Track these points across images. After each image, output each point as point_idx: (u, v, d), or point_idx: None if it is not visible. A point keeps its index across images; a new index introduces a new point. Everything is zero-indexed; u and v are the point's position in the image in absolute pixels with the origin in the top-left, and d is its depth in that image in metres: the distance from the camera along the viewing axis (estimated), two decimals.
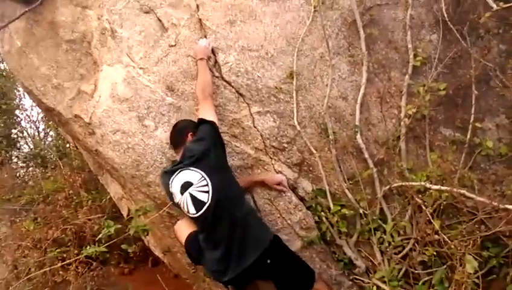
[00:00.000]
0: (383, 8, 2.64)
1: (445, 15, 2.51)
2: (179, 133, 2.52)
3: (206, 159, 2.30)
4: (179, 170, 2.33)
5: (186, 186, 2.28)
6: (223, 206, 2.24)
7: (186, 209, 2.31)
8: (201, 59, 2.57)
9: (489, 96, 2.50)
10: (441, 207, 2.29)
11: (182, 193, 2.30)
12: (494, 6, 2.34)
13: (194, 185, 2.27)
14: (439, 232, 2.21)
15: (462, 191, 2.14)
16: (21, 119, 7.74)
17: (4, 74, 7.46)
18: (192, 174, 2.28)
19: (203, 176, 2.27)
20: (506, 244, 2.29)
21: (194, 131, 2.45)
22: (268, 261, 2.22)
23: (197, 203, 2.26)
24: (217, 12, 2.72)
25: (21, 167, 6.97)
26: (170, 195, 2.41)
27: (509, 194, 2.33)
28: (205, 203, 2.24)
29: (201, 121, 2.42)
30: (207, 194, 2.24)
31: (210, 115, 2.43)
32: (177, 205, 2.38)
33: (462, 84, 2.50)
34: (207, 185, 2.25)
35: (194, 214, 2.28)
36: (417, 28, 2.60)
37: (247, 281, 2.35)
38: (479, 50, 2.51)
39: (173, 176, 2.34)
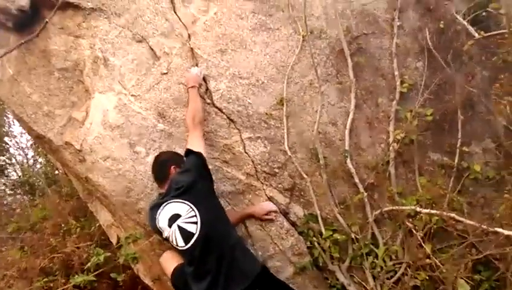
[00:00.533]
0: (370, 37, 2.73)
1: (430, 43, 2.61)
2: (160, 167, 2.51)
3: (194, 190, 2.28)
4: (166, 203, 2.30)
5: (174, 218, 2.26)
6: (211, 237, 2.21)
7: (174, 242, 2.27)
8: (192, 87, 2.60)
9: (474, 121, 2.57)
10: (432, 231, 2.31)
11: (170, 226, 2.27)
12: (476, 35, 2.45)
13: (182, 216, 2.24)
14: (431, 256, 2.23)
15: (452, 214, 2.17)
16: (10, 147, 7.66)
17: None
18: (180, 206, 2.26)
19: (191, 207, 2.25)
20: (498, 267, 2.30)
21: (177, 163, 2.45)
22: None
23: (186, 235, 2.23)
24: (208, 42, 2.78)
25: (8, 194, 6.85)
26: (158, 231, 2.37)
27: (498, 217, 2.35)
28: (194, 235, 2.21)
29: (188, 152, 2.41)
30: (195, 225, 2.22)
31: (198, 146, 2.42)
32: (166, 240, 2.34)
33: (448, 110, 2.57)
34: (195, 215, 2.23)
35: (182, 246, 2.24)
36: (403, 56, 2.68)
37: None
38: (463, 76, 2.60)
39: (159, 210, 2.32)
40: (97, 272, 2.52)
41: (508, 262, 2.20)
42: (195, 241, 2.20)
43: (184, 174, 2.34)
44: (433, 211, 2.20)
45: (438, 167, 2.54)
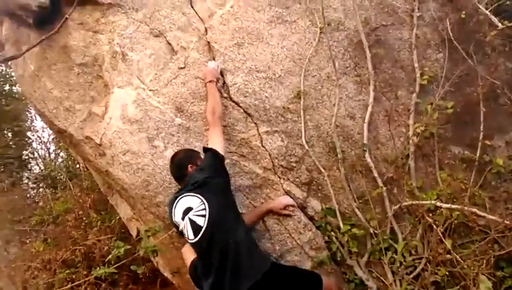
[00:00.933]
0: (389, 28, 2.68)
1: (451, 34, 2.54)
2: (178, 168, 2.53)
3: (207, 185, 2.31)
4: (180, 197, 2.34)
5: (186, 211, 2.29)
6: (217, 231, 2.22)
7: (186, 235, 2.30)
8: (210, 81, 2.61)
9: (497, 114, 2.50)
10: (452, 226, 2.27)
11: (183, 219, 2.30)
12: (500, 24, 2.37)
13: (194, 209, 2.27)
14: (451, 251, 2.19)
15: (473, 209, 2.12)
16: (32, 141, 7.87)
17: (16, 96, 7.62)
18: (192, 199, 2.29)
19: (201, 200, 2.27)
20: None
21: (194, 161, 2.48)
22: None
23: (195, 228, 2.25)
24: (225, 35, 2.78)
25: (31, 187, 7.04)
26: (175, 225, 2.42)
27: None
28: (202, 228, 2.22)
29: (207, 149, 2.44)
30: (204, 218, 2.24)
31: (217, 142, 2.44)
32: (181, 233, 2.38)
33: (470, 102, 2.51)
34: (204, 209, 2.25)
35: (192, 239, 2.27)
36: (423, 47, 2.63)
37: None
38: (486, 68, 2.53)
39: (175, 204, 2.36)
40: (117, 264, 2.57)
41: None
42: (202, 234, 2.22)
43: (200, 172, 2.37)
44: (453, 206, 2.15)
45: (459, 161, 2.49)
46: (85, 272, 3.56)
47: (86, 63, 3.09)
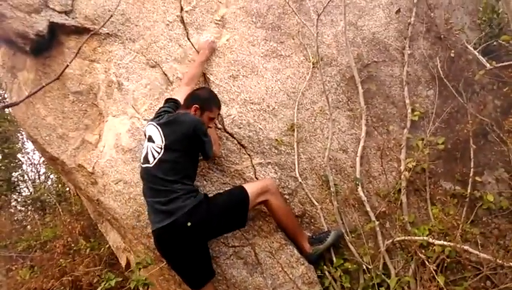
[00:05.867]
0: (380, 64, 2.75)
1: (441, 72, 2.61)
2: (190, 99, 2.52)
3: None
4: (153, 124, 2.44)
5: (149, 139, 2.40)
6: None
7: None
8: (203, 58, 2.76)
9: (487, 151, 2.54)
10: (445, 262, 2.27)
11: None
12: (488, 65, 2.44)
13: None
14: (444, 288, 2.18)
15: (465, 247, 2.13)
16: (22, 163, 7.77)
17: (8, 118, 7.57)
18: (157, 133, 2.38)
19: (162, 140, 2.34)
20: None
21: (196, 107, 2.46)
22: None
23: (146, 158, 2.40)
24: (220, 68, 2.83)
25: (19, 210, 6.91)
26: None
27: None
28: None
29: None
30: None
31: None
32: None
33: (460, 139, 2.56)
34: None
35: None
36: (414, 84, 2.69)
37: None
38: (475, 105, 2.59)
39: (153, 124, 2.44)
40: None
41: None
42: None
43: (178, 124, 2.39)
44: (446, 243, 2.16)
45: (450, 196, 2.51)
46: None
47: (82, 91, 3.10)
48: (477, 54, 2.58)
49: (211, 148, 2.41)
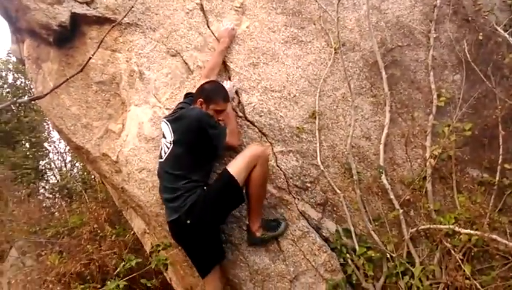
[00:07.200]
0: (405, 49, 2.67)
1: (468, 55, 2.52)
2: (197, 92, 2.54)
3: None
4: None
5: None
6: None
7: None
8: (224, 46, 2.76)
9: None
10: (471, 251, 2.22)
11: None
12: None
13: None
14: (470, 277, 2.14)
15: (493, 236, 2.07)
16: (49, 152, 8.00)
17: (34, 108, 7.77)
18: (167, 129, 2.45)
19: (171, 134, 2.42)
20: None
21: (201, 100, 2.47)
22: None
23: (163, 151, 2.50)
24: (241, 55, 2.81)
25: (47, 197, 7.13)
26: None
27: None
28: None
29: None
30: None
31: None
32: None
33: (488, 125, 2.48)
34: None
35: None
36: (440, 69, 2.61)
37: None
38: (504, 90, 2.50)
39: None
40: (129, 277, 2.61)
41: None
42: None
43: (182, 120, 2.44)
44: (473, 232, 2.11)
45: (477, 184, 2.45)
46: (98, 286, 3.57)
47: (104, 81, 3.14)
48: (507, 36, 2.47)
49: (222, 141, 2.42)
